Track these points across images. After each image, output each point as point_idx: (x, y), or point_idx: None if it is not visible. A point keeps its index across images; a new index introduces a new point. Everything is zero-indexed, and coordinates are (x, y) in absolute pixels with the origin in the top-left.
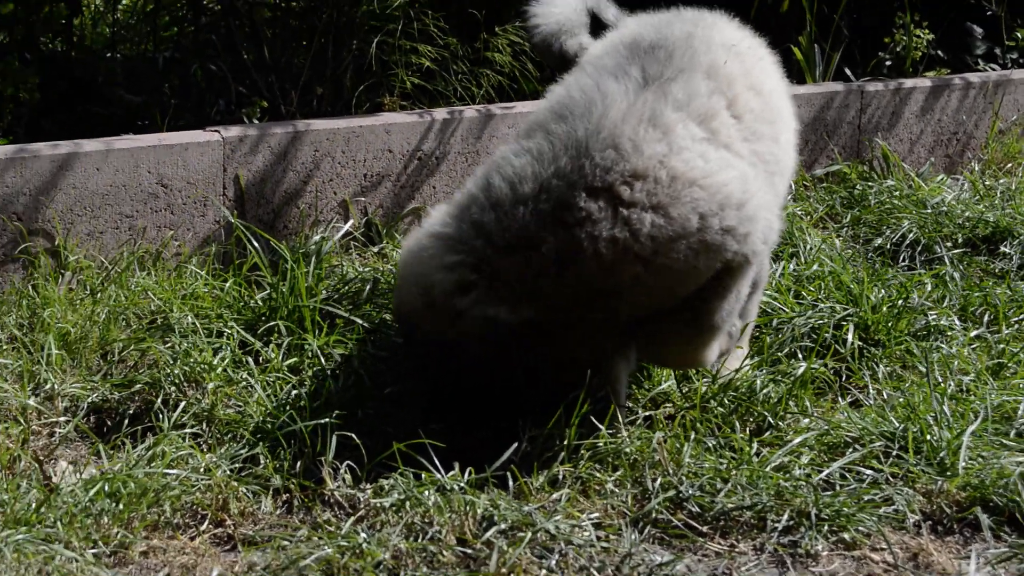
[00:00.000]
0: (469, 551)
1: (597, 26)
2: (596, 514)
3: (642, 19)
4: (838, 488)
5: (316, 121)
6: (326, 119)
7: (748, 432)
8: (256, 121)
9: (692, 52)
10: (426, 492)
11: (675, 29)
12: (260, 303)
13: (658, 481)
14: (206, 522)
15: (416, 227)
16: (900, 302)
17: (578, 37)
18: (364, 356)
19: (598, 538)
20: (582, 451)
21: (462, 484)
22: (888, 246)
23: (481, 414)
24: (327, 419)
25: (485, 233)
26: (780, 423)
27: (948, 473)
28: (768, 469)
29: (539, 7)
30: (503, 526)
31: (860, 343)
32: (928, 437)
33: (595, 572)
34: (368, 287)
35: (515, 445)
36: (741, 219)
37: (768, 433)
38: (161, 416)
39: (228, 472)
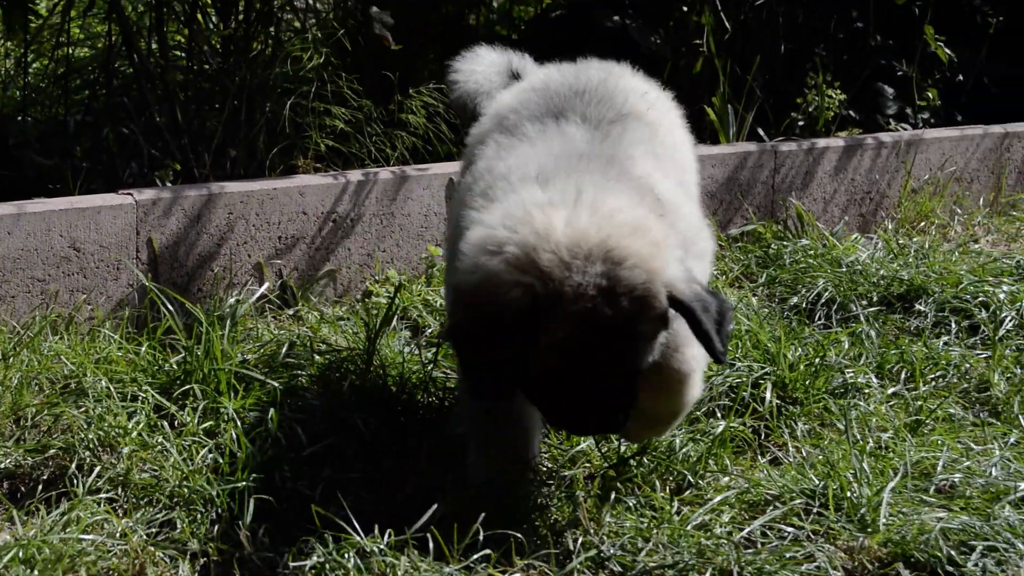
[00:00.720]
0: None
1: None
2: (518, 575)
3: (550, 68)
4: (760, 546)
5: (230, 183)
6: (240, 181)
7: (668, 491)
8: (169, 184)
9: (620, 96)
10: (346, 555)
11: (591, 74)
12: (175, 366)
13: (579, 541)
14: None
15: None
16: (817, 360)
17: (495, 98)
18: (280, 419)
19: None
20: (502, 511)
21: (382, 546)
22: (804, 305)
23: None
24: (244, 482)
25: None
26: (700, 482)
27: (869, 529)
28: (689, 527)
29: (464, 63)
30: None
31: (778, 401)
32: (848, 494)
33: None
34: (284, 349)
35: (435, 506)
36: (704, 251)
37: (688, 492)
38: (76, 481)
39: (145, 537)
